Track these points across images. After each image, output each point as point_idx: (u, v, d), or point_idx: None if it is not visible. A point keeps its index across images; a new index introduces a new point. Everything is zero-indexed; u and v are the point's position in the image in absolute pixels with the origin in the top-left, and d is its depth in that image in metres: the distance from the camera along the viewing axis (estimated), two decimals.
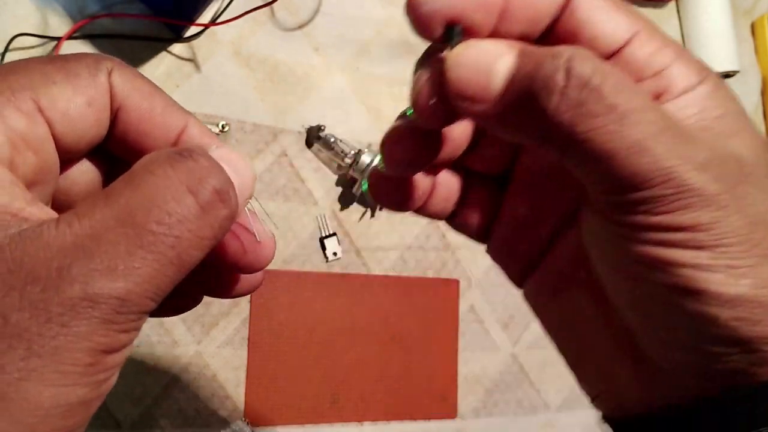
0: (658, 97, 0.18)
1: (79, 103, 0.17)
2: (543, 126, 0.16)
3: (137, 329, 0.16)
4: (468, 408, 0.49)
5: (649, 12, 0.62)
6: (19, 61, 0.17)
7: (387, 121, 0.50)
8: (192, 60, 0.44)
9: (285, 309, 0.45)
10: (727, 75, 0.62)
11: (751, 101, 0.65)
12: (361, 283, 0.48)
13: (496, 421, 0.50)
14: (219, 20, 0.43)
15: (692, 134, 0.16)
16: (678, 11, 0.63)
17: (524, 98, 0.16)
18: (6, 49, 0.39)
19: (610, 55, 0.18)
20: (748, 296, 0.16)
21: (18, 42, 0.39)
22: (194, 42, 0.45)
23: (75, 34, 0.41)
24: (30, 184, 0.16)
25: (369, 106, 0.50)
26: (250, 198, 0.18)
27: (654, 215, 0.16)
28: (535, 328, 0.52)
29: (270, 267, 0.44)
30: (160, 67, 0.43)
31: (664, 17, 0.63)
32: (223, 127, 0.43)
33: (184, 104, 0.46)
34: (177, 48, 0.44)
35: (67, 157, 0.18)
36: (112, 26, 0.42)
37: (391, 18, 0.51)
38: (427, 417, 0.48)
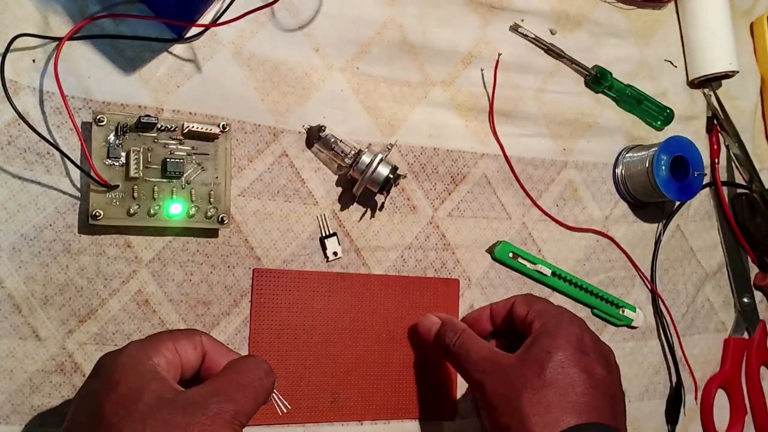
0: (532, 332, 0.43)
1: (191, 350, 0.34)
2: (444, 354, 0.45)
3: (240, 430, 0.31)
4: (468, 408, 0.50)
5: (648, 13, 0.62)
6: (160, 333, 0.35)
7: (387, 121, 0.50)
8: (193, 60, 0.45)
9: (285, 308, 0.45)
10: (726, 75, 0.62)
11: (749, 101, 0.66)
12: (362, 282, 0.48)
13: None
14: (220, 21, 0.43)
15: (489, 357, 0.42)
16: (677, 12, 0.64)
17: (438, 342, 0.46)
18: (7, 50, 0.39)
19: (523, 318, 0.45)
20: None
21: (19, 42, 0.39)
22: (195, 42, 0.45)
23: (76, 35, 0.41)
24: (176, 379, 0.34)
25: (369, 106, 0.50)
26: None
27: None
28: None
29: (271, 266, 0.45)
30: (161, 67, 0.43)
31: (664, 18, 0.63)
32: (223, 127, 0.43)
33: (185, 104, 0.47)
34: (178, 48, 0.44)
35: (186, 372, 0.34)
36: (113, 27, 0.42)
37: (391, 18, 0.51)
38: (427, 417, 0.48)
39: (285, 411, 0.40)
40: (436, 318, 0.47)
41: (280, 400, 0.39)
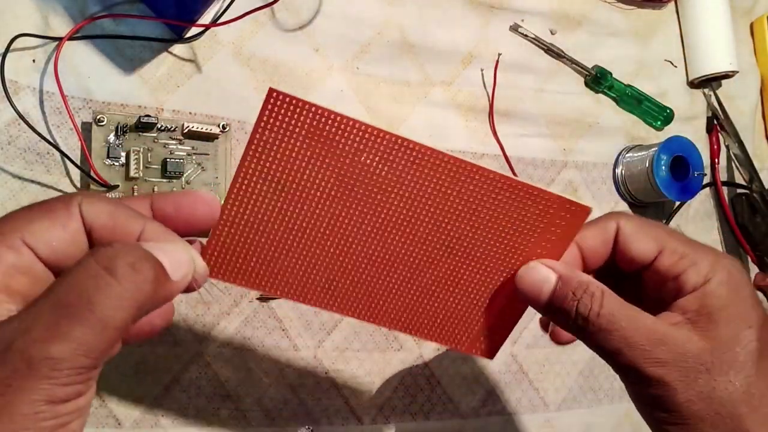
0: (676, 296, 0.30)
1: (56, 232, 0.23)
2: (568, 327, 0.30)
3: (83, 381, 0.21)
4: (468, 407, 0.50)
5: (648, 13, 0.62)
6: (9, 212, 0.23)
7: (387, 121, 0.50)
8: (193, 60, 0.45)
9: (301, 161, 0.29)
10: (726, 75, 0.62)
11: (750, 101, 0.66)
12: (437, 165, 0.30)
13: (495, 420, 0.50)
14: (220, 21, 0.43)
15: (663, 339, 0.28)
16: (677, 12, 0.64)
17: (557, 310, 0.30)
18: (7, 50, 0.39)
19: (647, 266, 0.30)
20: None
21: (19, 42, 0.39)
22: (195, 42, 0.45)
23: (76, 35, 0.41)
24: (27, 296, 0.22)
25: (369, 106, 0.50)
26: (191, 272, 0.25)
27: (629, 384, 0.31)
28: (533, 328, 0.52)
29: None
30: (161, 67, 0.44)
31: (664, 18, 0.63)
32: (223, 127, 0.43)
33: (185, 104, 0.47)
34: (178, 48, 0.44)
35: (59, 268, 0.23)
36: (113, 27, 0.42)
37: (391, 18, 0.51)
38: (452, 342, 0.34)
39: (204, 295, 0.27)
40: (549, 270, 0.30)
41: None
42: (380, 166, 0.30)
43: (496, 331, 0.34)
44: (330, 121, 0.28)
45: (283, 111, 0.28)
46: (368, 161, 0.29)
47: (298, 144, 0.29)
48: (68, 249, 0.23)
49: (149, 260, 0.23)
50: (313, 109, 0.28)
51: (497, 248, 0.32)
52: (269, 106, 0.28)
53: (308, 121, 0.28)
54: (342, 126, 0.28)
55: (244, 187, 0.29)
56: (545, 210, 0.31)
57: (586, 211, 0.31)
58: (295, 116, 0.28)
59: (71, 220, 0.23)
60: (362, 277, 0.32)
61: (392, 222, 0.31)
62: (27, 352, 0.20)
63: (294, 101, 0.28)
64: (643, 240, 0.31)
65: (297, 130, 0.28)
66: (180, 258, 0.25)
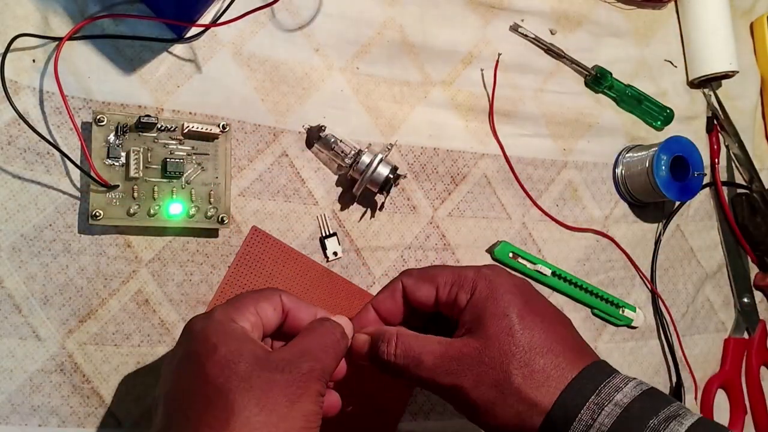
0: (459, 316, 0.38)
1: (271, 311, 0.36)
2: (387, 371, 0.38)
3: (324, 390, 0.33)
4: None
5: (648, 13, 0.62)
6: (242, 294, 0.36)
7: (387, 121, 0.50)
8: (193, 60, 0.45)
9: (265, 275, 0.44)
10: (726, 75, 0.62)
11: (750, 101, 0.66)
12: (343, 289, 0.47)
13: None
14: (220, 21, 0.43)
15: (446, 353, 0.36)
16: (677, 12, 0.64)
17: (374, 360, 0.38)
18: (7, 50, 0.39)
19: (435, 304, 0.39)
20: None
21: (19, 42, 0.39)
22: (195, 42, 0.45)
23: (76, 35, 0.41)
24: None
25: (369, 107, 0.50)
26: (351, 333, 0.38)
27: None
28: None
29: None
30: (160, 67, 0.43)
31: (664, 18, 0.63)
32: (223, 127, 0.43)
33: (185, 104, 0.47)
34: (178, 48, 0.44)
35: (267, 333, 0.36)
36: (113, 27, 0.42)
37: (391, 18, 0.51)
38: None
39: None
40: (363, 335, 0.39)
41: None
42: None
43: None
44: (285, 250, 0.45)
45: (259, 239, 0.45)
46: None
47: (265, 262, 0.45)
48: (275, 321, 0.36)
49: (344, 329, 0.37)
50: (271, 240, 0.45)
51: None
52: (250, 237, 0.44)
53: (275, 247, 0.45)
54: (292, 255, 0.45)
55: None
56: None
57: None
58: (268, 243, 0.45)
59: (278, 305, 0.36)
60: None
61: None
62: (310, 365, 0.32)
63: (266, 235, 0.45)
64: (421, 288, 0.39)
65: (266, 251, 0.45)
66: (347, 326, 0.38)
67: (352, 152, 0.46)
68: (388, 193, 0.46)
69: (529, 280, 0.41)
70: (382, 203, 0.49)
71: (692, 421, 0.33)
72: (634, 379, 0.36)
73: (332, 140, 0.47)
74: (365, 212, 0.49)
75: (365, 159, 0.46)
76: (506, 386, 0.35)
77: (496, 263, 0.40)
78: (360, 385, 0.40)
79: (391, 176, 0.46)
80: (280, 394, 0.31)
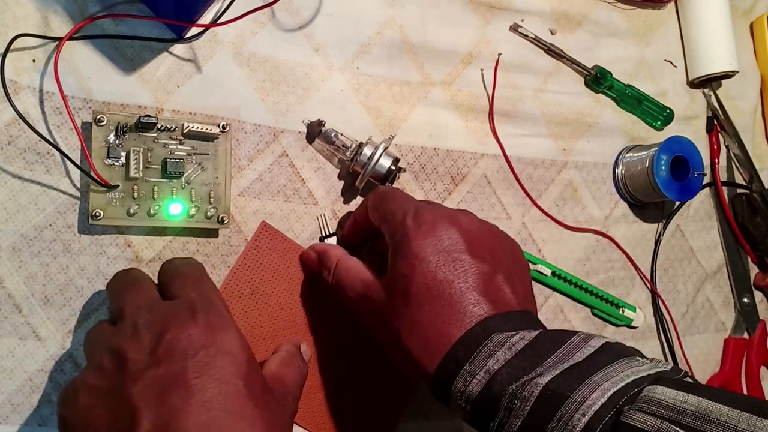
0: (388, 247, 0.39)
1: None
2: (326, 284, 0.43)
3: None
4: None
5: (648, 13, 0.62)
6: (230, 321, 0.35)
7: (387, 121, 0.50)
8: (193, 60, 0.45)
9: (271, 272, 0.45)
10: (726, 75, 0.62)
11: (750, 101, 0.66)
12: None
13: None
14: (220, 21, 0.43)
15: (370, 282, 0.39)
16: (677, 12, 0.64)
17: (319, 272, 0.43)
18: (7, 50, 0.39)
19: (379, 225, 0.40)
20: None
21: (19, 42, 0.39)
22: (195, 42, 0.45)
23: (76, 35, 0.41)
24: None
25: (369, 106, 0.50)
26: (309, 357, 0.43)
27: None
28: None
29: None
30: (160, 67, 0.43)
31: (664, 18, 0.63)
32: (223, 127, 0.43)
33: (185, 104, 0.47)
34: (178, 48, 0.44)
35: None
36: (113, 27, 0.42)
37: (391, 18, 0.51)
38: None
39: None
40: (312, 252, 0.44)
41: None
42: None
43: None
44: (293, 247, 0.46)
45: (267, 235, 0.45)
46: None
47: (273, 258, 0.45)
48: None
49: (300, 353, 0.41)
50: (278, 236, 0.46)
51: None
52: (259, 232, 0.45)
53: (283, 243, 0.46)
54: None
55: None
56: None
57: None
58: (276, 240, 0.45)
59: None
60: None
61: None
62: (293, 399, 0.37)
63: (275, 232, 0.46)
64: (372, 211, 0.41)
65: (275, 248, 0.45)
66: (305, 350, 0.42)
67: (353, 145, 0.46)
68: (390, 185, 0.46)
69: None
70: None
71: (549, 377, 0.31)
72: (518, 332, 0.34)
73: (333, 134, 0.46)
74: None
75: (367, 151, 0.46)
76: (397, 343, 0.36)
77: (434, 201, 0.42)
78: (363, 374, 0.43)
79: (394, 168, 0.46)
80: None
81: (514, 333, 0.34)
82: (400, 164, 0.47)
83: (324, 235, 0.47)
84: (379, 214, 0.40)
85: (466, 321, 0.34)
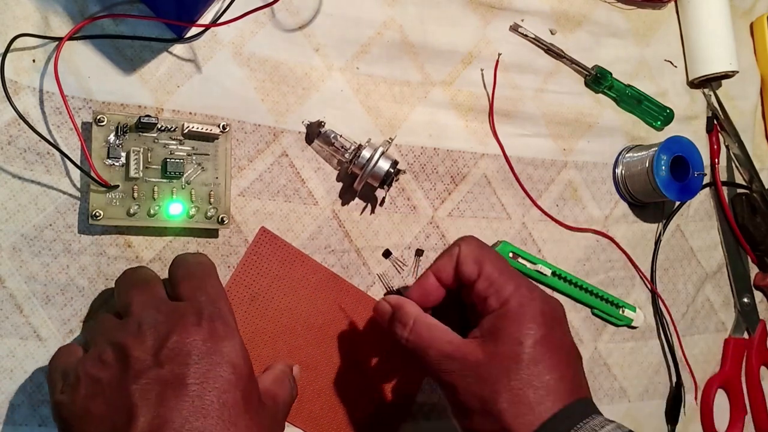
0: (482, 315, 0.39)
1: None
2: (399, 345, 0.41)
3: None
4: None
5: (648, 13, 0.62)
6: (236, 335, 0.35)
7: (387, 121, 0.50)
8: (193, 60, 0.45)
9: (271, 277, 0.45)
10: (726, 75, 0.62)
11: (750, 101, 0.66)
12: (352, 295, 0.47)
13: None
14: (220, 21, 0.43)
15: (453, 354, 0.38)
16: (677, 12, 0.64)
17: (390, 333, 0.41)
18: (7, 50, 0.39)
19: (471, 286, 0.40)
20: None
21: (19, 42, 0.39)
22: (195, 42, 0.45)
23: (76, 35, 0.41)
24: None
25: (369, 106, 0.50)
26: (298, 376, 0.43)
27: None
28: None
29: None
30: (160, 67, 0.44)
31: (664, 18, 0.63)
32: (223, 127, 0.43)
33: (185, 104, 0.47)
34: (178, 48, 0.44)
35: None
36: (113, 27, 0.42)
37: (391, 18, 0.51)
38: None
39: None
40: (387, 305, 0.41)
41: None
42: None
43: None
44: (292, 252, 0.46)
45: (267, 240, 0.45)
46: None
47: (272, 264, 0.45)
48: None
49: (292, 375, 0.41)
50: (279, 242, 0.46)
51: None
52: (258, 238, 0.45)
53: (283, 249, 0.46)
54: (299, 257, 0.46)
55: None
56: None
57: None
58: (275, 245, 0.45)
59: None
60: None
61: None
62: (285, 412, 0.39)
63: (274, 237, 0.45)
64: (470, 264, 0.40)
65: (274, 253, 0.46)
66: (297, 372, 0.42)
67: (352, 147, 0.46)
68: (389, 187, 0.46)
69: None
70: (383, 198, 0.49)
71: None
72: (613, 422, 0.36)
73: (332, 135, 0.47)
74: (365, 207, 0.49)
75: (365, 153, 0.46)
76: (491, 405, 0.36)
77: (536, 283, 0.41)
78: (364, 380, 0.44)
79: (392, 170, 0.46)
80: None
81: (611, 420, 0.36)
82: (399, 165, 0.47)
83: (397, 288, 0.48)
84: (485, 273, 0.39)
85: (571, 396, 0.37)
